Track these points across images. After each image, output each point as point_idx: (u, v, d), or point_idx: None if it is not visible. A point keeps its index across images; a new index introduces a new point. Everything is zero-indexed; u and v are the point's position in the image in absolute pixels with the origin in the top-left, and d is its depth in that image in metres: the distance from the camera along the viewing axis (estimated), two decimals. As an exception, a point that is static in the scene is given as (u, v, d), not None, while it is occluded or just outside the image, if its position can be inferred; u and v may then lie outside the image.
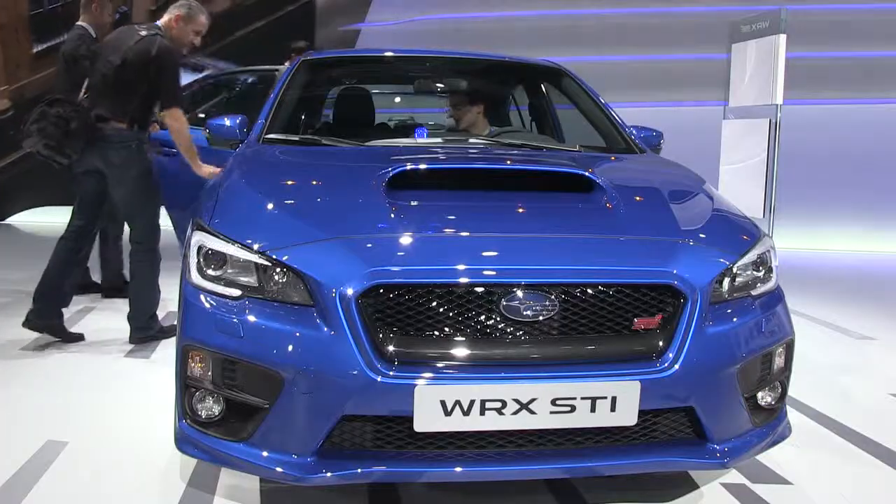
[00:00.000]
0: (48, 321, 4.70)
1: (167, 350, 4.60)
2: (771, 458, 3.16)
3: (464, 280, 2.38)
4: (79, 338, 4.81)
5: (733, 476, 3.04)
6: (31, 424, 3.47)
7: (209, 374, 2.49)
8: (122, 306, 5.81)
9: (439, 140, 3.92)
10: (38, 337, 4.82)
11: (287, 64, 5.92)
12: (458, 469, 2.41)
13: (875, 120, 9.49)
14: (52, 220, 10.94)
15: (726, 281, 2.64)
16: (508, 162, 3.28)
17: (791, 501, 2.88)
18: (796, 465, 3.17)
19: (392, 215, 2.62)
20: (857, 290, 7.41)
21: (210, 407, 2.53)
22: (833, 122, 9.44)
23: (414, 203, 2.76)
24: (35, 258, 7.97)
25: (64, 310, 4.78)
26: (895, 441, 3.46)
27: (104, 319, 5.43)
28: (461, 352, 2.37)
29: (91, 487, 2.89)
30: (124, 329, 5.02)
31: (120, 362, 4.45)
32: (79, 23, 5.93)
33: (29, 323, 4.67)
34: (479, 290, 2.39)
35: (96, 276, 6.27)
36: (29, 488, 2.85)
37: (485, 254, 2.48)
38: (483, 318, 2.40)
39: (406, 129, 4.56)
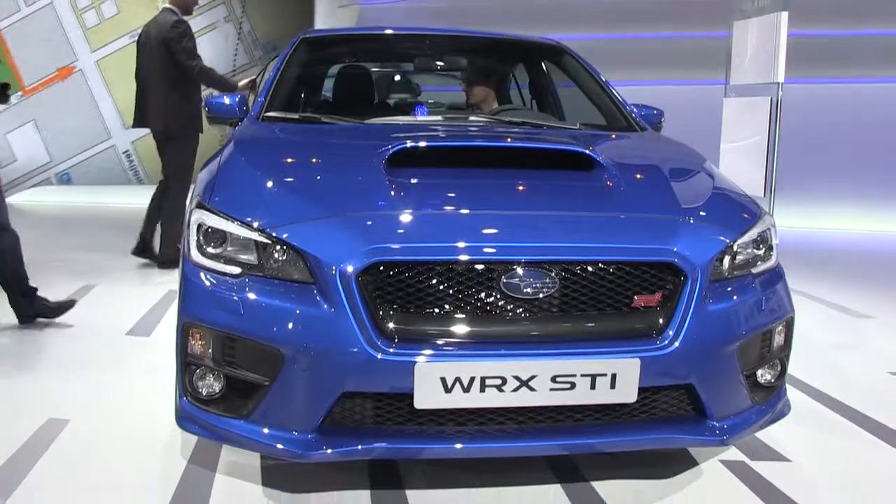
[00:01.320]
0: (28, 311, 4.67)
1: (168, 328, 4.61)
2: (770, 435, 3.17)
3: (464, 257, 2.38)
4: (70, 305, 4.76)
5: (732, 453, 3.05)
6: (33, 403, 3.48)
7: (209, 351, 2.49)
8: (122, 286, 5.83)
9: (439, 118, 3.91)
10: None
11: None
12: (459, 446, 2.43)
13: (877, 99, 9.44)
14: (52, 199, 10.97)
15: (727, 259, 2.64)
16: (509, 140, 3.27)
17: (790, 478, 2.88)
18: (795, 443, 3.17)
19: (392, 193, 2.62)
20: (857, 268, 7.41)
21: (210, 384, 2.53)
22: (835, 101, 9.40)
23: (414, 181, 2.75)
24: (31, 236, 7.98)
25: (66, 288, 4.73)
26: (894, 419, 3.47)
27: (105, 298, 5.43)
28: (461, 329, 2.37)
29: (92, 465, 2.90)
30: (125, 307, 5.05)
31: (120, 340, 4.45)
32: (166, 6, 6.20)
33: (20, 319, 4.67)
34: (480, 267, 2.39)
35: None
36: (31, 466, 2.86)
37: (485, 231, 2.48)
38: (483, 295, 2.40)
39: (406, 108, 4.54)
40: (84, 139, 11.27)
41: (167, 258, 6.26)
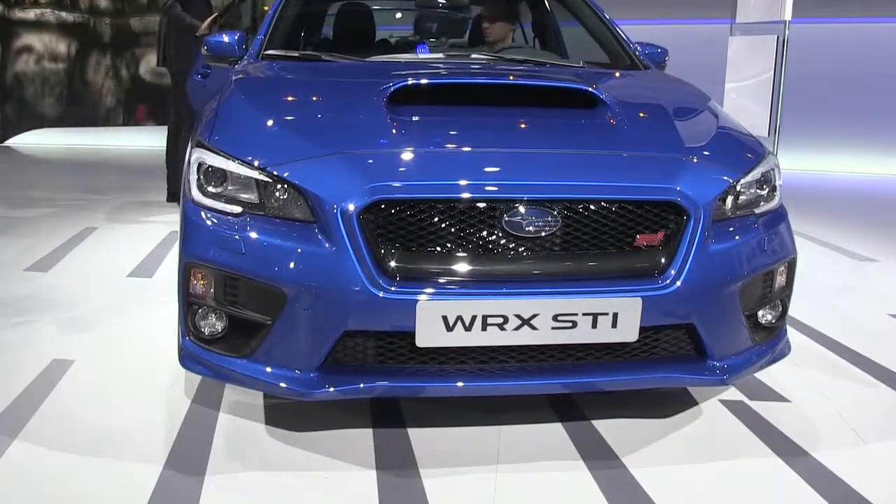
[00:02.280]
0: None
1: (170, 269, 4.61)
2: (770, 375, 3.19)
3: (466, 195, 2.36)
4: None
5: (732, 393, 3.07)
6: (37, 344, 3.50)
7: (211, 291, 2.49)
8: (123, 228, 5.83)
9: (441, 56, 3.86)
10: (41, 258, 4.84)
11: None
12: (460, 384, 2.44)
13: (887, 39, 9.32)
14: (52, 141, 10.91)
15: (729, 199, 2.63)
16: (511, 77, 3.23)
17: (789, 419, 2.90)
18: (795, 384, 3.19)
19: (393, 131, 2.59)
20: (860, 211, 7.39)
21: (213, 324, 2.53)
22: (842, 40, 9.28)
23: (415, 118, 2.73)
24: (35, 180, 7.96)
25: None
26: (894, 361, 3.48)
27: (105, 241, 5.43)
28: (463, 267, 2.37)
29: (97, 405, 2.92)
30: (126, 249, 5.05)
31: (123, 282, 4.46)
32: None
33: None
34: (481, 205, 2.38)
35: None
36: (36, 407, 2.88)
37: (487, 169, 2.46)
38: (485, 233, 2.39)
39: (407, 46, 4.48)
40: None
41: (175, 190, 6.48)
